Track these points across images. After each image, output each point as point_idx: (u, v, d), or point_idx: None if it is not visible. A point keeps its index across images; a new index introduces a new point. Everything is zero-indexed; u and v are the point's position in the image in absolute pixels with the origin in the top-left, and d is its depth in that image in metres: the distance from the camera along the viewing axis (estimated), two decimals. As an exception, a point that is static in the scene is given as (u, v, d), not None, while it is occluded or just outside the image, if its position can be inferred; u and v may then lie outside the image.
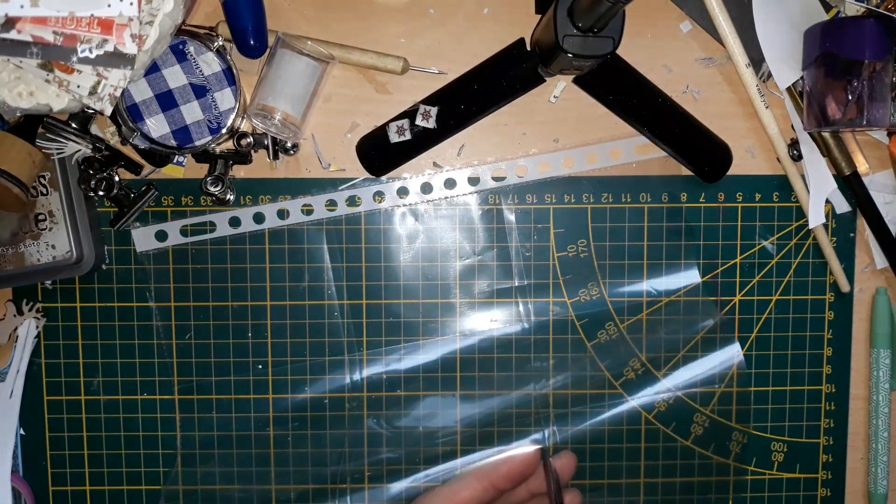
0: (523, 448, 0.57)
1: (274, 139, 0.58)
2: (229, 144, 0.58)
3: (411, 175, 0.60)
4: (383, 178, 0.60)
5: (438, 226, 0.61)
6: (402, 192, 0.60)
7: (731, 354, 0.62)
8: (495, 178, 0.60)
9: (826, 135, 0.59)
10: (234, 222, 0.60)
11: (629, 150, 0.60)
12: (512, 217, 0.61)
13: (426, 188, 0.60)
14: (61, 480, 0.62)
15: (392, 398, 0.62)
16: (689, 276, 0.61)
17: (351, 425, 0.62)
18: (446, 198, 0.60)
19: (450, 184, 0.60)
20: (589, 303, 0.61)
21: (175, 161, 0.59)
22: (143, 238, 0.60)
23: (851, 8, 0.57)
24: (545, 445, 0.61)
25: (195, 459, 0.62)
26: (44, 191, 0.56)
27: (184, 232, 0.60)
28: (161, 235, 0.60)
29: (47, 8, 0.47)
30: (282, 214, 0.60)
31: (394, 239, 0.61)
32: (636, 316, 0.62)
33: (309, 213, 0.60)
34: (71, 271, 0.58)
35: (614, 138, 0.61)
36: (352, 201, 0.60)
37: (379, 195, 0.60)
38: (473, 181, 0.60)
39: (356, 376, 0.61)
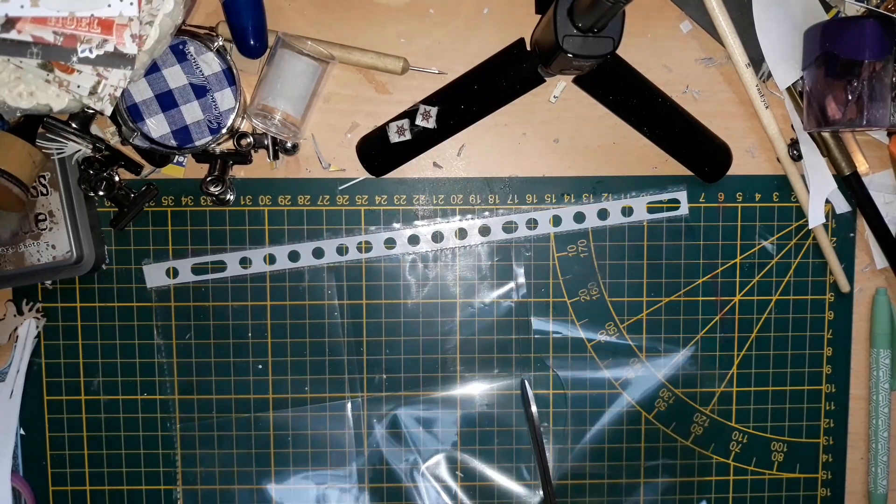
0: None
1: (274, 139, 0.58)
2: (229, 144, 0.58)
3: (436, 222, 0.60)
4: (395, 225, 0.60)
5: (449, 274, 0.61)
6: (415, 240, 0.60)
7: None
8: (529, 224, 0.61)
9: (826, 135, 0.59)
10: (245, 262, 0.60)
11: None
12: (521, 270, 0.61)
13: (462, 233, 0.61)
14: (61, 480, 0.62)
15: (392, 398, 0.62)
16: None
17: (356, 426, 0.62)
18: (473, 244, 0.61)
19: (507, 226, 0.60)
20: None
21: (175, 161, 0.59)
22: (154, 273, 0.60)
23: (851, 8, 0.57)
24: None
25: (195, 459, 0.62)
26: (44, 191, 0.56)
27: (195, 270, 0.60)
28: (173, 272, 0.60)
29: (47, 8, 0.47)
30: (293, 256, 0.60)
31: (402, 279, 0.61)
32: (636, 316, 0.62)
33: (319, 255, 0.60)
34: (71, 271, 0.58)
35: (614, 139, 0.61)
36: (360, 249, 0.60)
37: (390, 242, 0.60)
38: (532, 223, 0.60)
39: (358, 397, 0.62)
